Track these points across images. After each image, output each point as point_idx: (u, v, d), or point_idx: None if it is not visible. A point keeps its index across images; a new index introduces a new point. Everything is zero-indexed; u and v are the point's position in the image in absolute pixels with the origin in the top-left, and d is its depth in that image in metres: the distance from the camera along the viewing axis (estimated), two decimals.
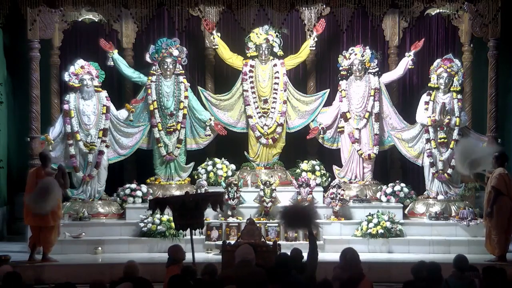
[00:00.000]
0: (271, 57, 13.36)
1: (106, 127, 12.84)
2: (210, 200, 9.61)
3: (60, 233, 11.63)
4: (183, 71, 13.31)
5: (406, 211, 12.83)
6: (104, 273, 10.20)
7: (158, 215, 11.91)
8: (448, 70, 12.75)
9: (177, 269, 7.81)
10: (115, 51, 13.15)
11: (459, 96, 12.83)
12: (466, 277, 7.22)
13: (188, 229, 9.33)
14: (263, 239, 9.88)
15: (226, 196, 12.38)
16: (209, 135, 13.34)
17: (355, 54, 13.17)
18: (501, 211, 11.25)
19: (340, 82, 13.37)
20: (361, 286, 6.90)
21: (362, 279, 7.00)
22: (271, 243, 9.76)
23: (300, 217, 8.48)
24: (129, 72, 13.24)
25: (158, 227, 11.97)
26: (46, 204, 10.98)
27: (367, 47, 13.25)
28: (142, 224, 12.06)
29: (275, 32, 13.20)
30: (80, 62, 12.79)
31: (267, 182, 12.56)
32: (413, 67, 13.27)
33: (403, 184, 12.93)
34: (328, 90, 13.64)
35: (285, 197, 12.68)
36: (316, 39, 13.28)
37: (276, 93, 13.36)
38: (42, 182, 11.09)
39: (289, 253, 7.74)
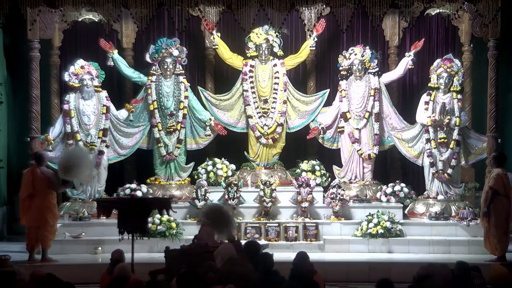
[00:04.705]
0: (271, 57, 13.36)
1: (106, 127, 12.85)
2: (155, 205, 9.59)
3: (57, 230, 11.61)
4: (183, 71, 13.32)
5: (406, 211, 12.83)
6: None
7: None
8: (448, 70, 12.75)
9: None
10: (115, 51, 13.16)
11: (459, 96, 12.83)
12: None
13: (135, 233, 9.34)
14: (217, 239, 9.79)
15: (226, 196, 12.41)
16: (209, 135, 13.35)
17: (355, 54, 13.17)
18: (498, 211, 11.25)
19: (340, 82, 13.37)
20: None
21: (314, 273, 7.23)
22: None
23: (220, 220, 8.62)
24: (129, 72, 13.25)
25: (158, 227, 11.97)
26: (79, 171, 11.06)
27: (367, 47, 13.25)
28: None
29: (275, 32, 13.20)
30: (80, 62, 12.81)
31: (267, 182, 12.56)
32: (413, 67, 13.27)
33: (403, 184, 12.93)
34: (328, 90, 13.65)
35: (285, 197, 12.70)
36: (316, 39, 13.29)
37: (276, 93, 13.36)
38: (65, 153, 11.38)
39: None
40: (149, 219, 11.97)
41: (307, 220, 12.36)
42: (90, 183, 12.75)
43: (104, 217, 10.77)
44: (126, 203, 9.96)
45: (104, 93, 12.94)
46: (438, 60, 12.95)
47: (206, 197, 12.41)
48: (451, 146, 12.74)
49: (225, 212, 9.43)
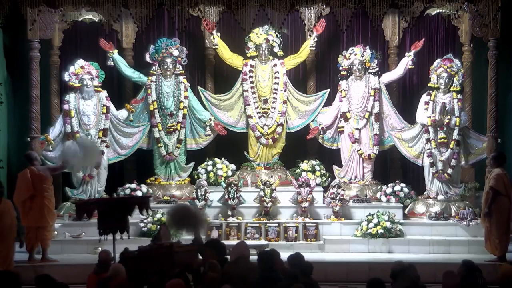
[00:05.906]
0: (271, 57, 13.37)
1: (106, 127, 12.86)
2: (134, 204, 9.60)
3: (54, 229, 11.62)
4: (183, 71, 13.32)
5: (406, 211, 12.83)
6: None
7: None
8: (448, 70, 12.75)
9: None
10: (115, 51, 13.17)
11: (459, 96, 12.83)
12: None
13: (115, 233, 9.37)
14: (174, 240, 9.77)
15: (226, 196, 12.42)
16: (209, 135, 13.36)
17: (355, 54, 13.17)
18: (499, 211, 11.23)
19: (340, 82, 13.37)
20: None
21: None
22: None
23: (187, 220, 8.65)
24: (129, 72, 13.26)
25: (158, 227, 11.95)
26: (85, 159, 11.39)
27: (367, 47, 13.25)
28: (142, 224, 12.06)
29: (275, 32, 13.21)
30: (80, 62, 12.82)
31: (267, 182, 12.56)
32: (413, 67, 13.28)
33: (403, 184, 12.92)
34: (328, 90, 13.65)
35: (285, 197, 12.70)
36: (316, 39, 13.29)
37: (276, 93, 13.36)
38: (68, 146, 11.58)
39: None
40: (149, 219, 12.03)
41: (307, 220, 12.35)
42: (90, 183, 12.76)
43: (86, 219, 10.83)
44: (104, 203, 9.97)
45: (104, 93, 12.95)
46: (438, 60, 12.94)
47: (206, 197, 12.42)
48: (451, 146, 12.74)
49: (191, 211, 9.38)
